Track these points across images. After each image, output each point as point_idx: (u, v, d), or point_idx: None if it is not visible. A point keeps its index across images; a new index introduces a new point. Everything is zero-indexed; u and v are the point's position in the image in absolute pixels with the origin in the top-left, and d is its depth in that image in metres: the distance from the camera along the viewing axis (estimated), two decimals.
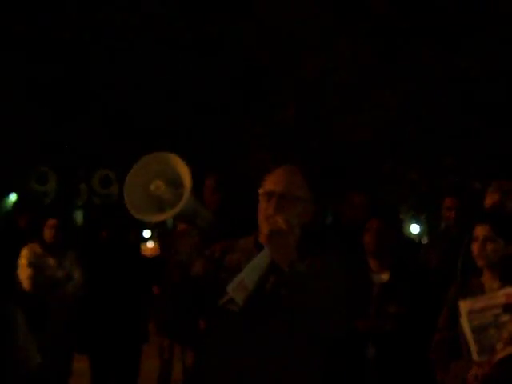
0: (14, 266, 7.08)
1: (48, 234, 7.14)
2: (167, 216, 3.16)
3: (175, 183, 3.22)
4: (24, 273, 6.97)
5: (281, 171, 3.41)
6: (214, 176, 6.26)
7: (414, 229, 32.21)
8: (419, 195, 17.58)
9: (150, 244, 35.94)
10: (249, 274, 3.15)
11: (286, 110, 15.78)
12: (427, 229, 23.50)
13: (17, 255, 7.10)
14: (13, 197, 19.21)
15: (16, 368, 5.30)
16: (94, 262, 7.15)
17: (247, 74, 17.38)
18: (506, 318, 4.04)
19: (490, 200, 5.81)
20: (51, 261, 7.10)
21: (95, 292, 6.98)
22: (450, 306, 4.28)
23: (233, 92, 17.89)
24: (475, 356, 4.04)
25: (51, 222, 7.19)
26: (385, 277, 5.13)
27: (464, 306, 4.13)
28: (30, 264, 6.98)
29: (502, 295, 4.08)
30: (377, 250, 5.18)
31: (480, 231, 4.20)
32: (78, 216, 19.11)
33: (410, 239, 7.67)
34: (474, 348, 4.06)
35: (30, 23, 16.39)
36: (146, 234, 36.38)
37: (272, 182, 3.36)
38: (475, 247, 4.21)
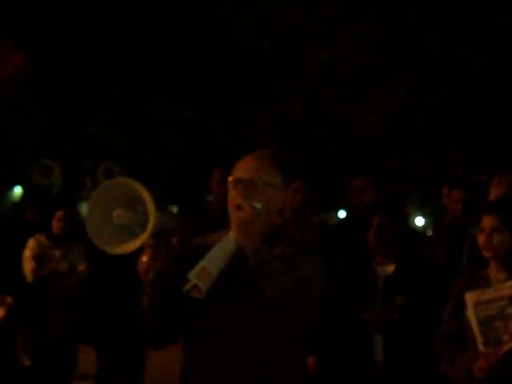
0: (20, 258, 7.10)
1: (55, 225, 7.18)
2: (141, 241, 3.14)
3: (135, 204, 3.16)
4: (28, 265, 6.98)
5: (250, 158, 3.37)
6: (220, 168, 6.27)
7: (419, 221, 32.18)
8: (424, 188, 17.56)
9: None
10: (212, 260, 3.10)
11: (291, 101, 15.77)
12: (432, 221, 23.45)
13: (23, 247, 7.12)
14: (18, 189, 19.25)
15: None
16: (100, 254, 7.15)
17: (252, 65, 17.38)
18: (511, 310, 4.04)
19: (494, 193, 5.81)
20: (56, 253, 7.12)
21: (102, 284, 6.99)
22: (455, 297, 4.28)
23: (237, 83, 17.89)
24: (481, 348, 4.05)
25: (59, 213, 7.23)
26: (390, 269, 5.14)
27: (470, 297, 4.13)
28: (34, 256, 6.99)
29: (508, 287, 4.08)
30: (379, 247, 5.18)
31: (487, 222, 4.19)
32: (83, 209, 19.14)
33: (416, 231, 7.64)
34: (479, 340, 4.06)
35: (29, 15, 16.41)
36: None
37: (240, 169, 3.33)
38: (481, 238, 4.20)
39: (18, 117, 16.19)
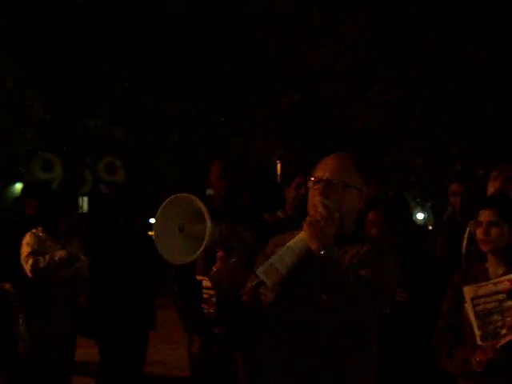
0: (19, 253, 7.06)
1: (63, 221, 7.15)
2: (199, 251, 3.20)
3: (199, 217, 3.25)
4: (26, 261, 6.89)
5: (330, 158, 3.42)
6: (220, 162, 6.28)
7: (420, 216, 32.16)
8: (424, 182, 17.56)
9: None
10: (280, 258, 3.16)
11: (291, 96, 15.75)
12: (433, 216, 23.46)
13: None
14: (19, 184, 19.27)
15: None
16: (101, 249, 7.14)
17: (252, 61, 17.37)
18: (510, 303, 4.03)
19: (492, 187, 5.81)
20: (55, 246, 7.02)
21: (104, 279, 6.98)
22: (454, 291, 4.27)
23: (238, 78, 17.88)
24: (479, 341, 4.05)
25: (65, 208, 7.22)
26: None
27: (468, 291, 4.13)
28: (33, 251, 6.89)
29: (506, 281, 4.08)
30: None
31: (484, 216, 4.18)
32: (84, 202, 19.19)
33: (417, 226, 7.60)
34: (477, 333, 4.07)
35: (29, 10, 16.41)
36: (153, 221, 36.53)
37: (320, 169, 3.38)
38: (479, 232, 4.19)
39: (18, 111, 16.20)
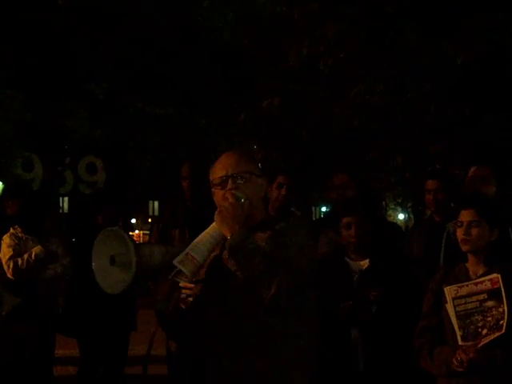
0: None
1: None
2: (130, 278, 3.36)
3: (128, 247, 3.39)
4: (8, 264, 6.80)
5: (224, 156, 3.58)
6: (186, 163, 6.37)
7: (400, 216, 32.29)
8: (405, 183, 17.62)
9: (136, 231, 36.13)
10: (195, 247, 3.27)
11: (272, 97, 15.75)
12: (414, 216, 23.55)
13: None
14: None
15: None
16: (85, 247, 7.11)
17: (232, 62, 17.38)
18: (490, 303, 4.06)
19: (469, 187, 5.86)
20: (35, 246, 6.92)
21: (86, 277, 6.96)
22: (434, 291, 4.29)
23: (219, 80, 17.88)
24: (460, 342, 4.07)
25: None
26: (364, 264, 5.08)
27: (449, 291, 4.15)
28: (15, 254, 6.81)
29: (487, 281, 4.10)
30: (357, 245, 5.11)
31: (465, 216, 4.20)
32: (65, 203, 19.13)
33: (392, 225, 7.55)
34: (458, 333, 4.08)
35: (12, 10, 16.35)
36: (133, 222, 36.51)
37: (220, 169, 3.50)
38: (460, 232, 4.21)
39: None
